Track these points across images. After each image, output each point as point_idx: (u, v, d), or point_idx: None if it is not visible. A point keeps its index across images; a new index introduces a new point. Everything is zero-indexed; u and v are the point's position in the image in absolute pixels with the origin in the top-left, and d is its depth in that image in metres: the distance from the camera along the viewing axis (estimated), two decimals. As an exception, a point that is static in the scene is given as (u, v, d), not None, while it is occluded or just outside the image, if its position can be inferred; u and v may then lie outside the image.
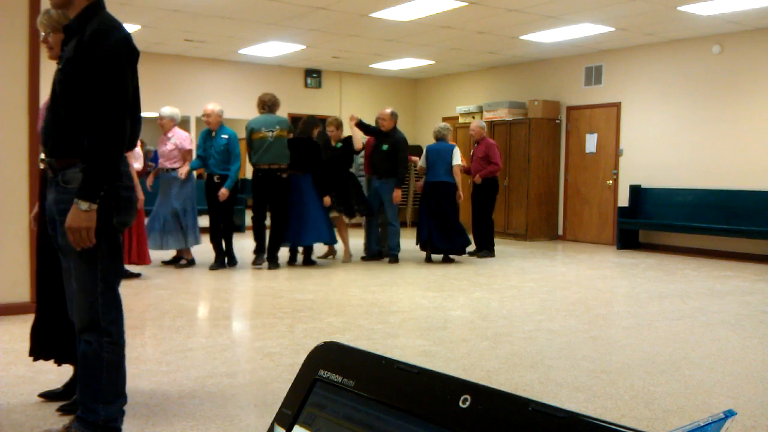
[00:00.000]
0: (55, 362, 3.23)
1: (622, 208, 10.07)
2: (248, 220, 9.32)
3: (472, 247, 8.80)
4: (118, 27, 2.40)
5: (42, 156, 3.09)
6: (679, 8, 7.89)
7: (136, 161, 6.60)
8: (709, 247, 9.41)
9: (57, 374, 3.48)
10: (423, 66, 12.27)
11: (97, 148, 2.33)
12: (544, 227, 11.22)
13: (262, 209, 7.54)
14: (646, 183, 10.14)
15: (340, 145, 8.11)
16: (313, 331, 4.77)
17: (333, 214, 8.03)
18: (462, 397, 0.70)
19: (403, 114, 13.17)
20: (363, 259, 8.32)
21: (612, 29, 9.07)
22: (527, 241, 10.86)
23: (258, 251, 7.67)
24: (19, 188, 5.03)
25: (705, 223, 9.24)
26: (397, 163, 7.97)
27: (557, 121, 11.26)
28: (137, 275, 6.86)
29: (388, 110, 8.14)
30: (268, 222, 7.59)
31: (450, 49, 10.71)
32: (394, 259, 8.18)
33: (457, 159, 8.10)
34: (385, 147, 7.99)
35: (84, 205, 2.33)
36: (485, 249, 8.81)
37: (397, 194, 8.01)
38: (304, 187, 7.55)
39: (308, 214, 7.50)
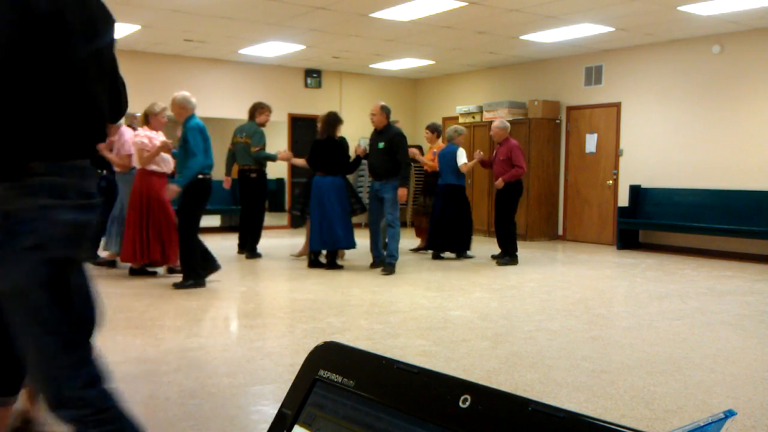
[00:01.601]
0: None
1: (622, 208, 10.07)
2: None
3: (495, 252, 8.80)
4: None
5: None
6: (679, 8, 7.89)
7: (164, 164, 6.65)
8: (709, 247, 9.41)
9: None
10: (423, 66, 12.27)
11: None
12: (544, 227, 11.22)
13: (244, 208, 8.56)
14: (646, 183, 10.14)
15: None
16: (313, 331, 4.77)
17: None
18: (462, 397, 0.70)
19: (403, 114, 13.20)
20: (371, 266, 7.71)
21: (612, 29, 9.07)
22: (527, 241, 10.86)
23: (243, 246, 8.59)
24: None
25: (705, 223, 9.24)
26: (398, 162, 7.35)
27: (557, 121, 11.26)
28: (153, 273, 6.90)
29: (378, 104, 7.55)
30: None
31: (450, 49, 10.71)
32: (390, 269, 7.33)
33: (461, 159, 8.31)
34: (381, 145, 7.44)
35: None
36: (507, 255, 8.31)
37: (403, 193, 7.35)
38: (325, 190, 7.36)
39: (326, 219, 7.30)
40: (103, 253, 7.50)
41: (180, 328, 4.79)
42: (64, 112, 1.73)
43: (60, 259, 1.73)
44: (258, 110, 8.40)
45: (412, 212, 12.87)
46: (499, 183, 8.25)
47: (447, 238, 8.46)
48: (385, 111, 7.50)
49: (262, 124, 8.37)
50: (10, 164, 1.65)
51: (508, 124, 8.52)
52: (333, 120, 7.55)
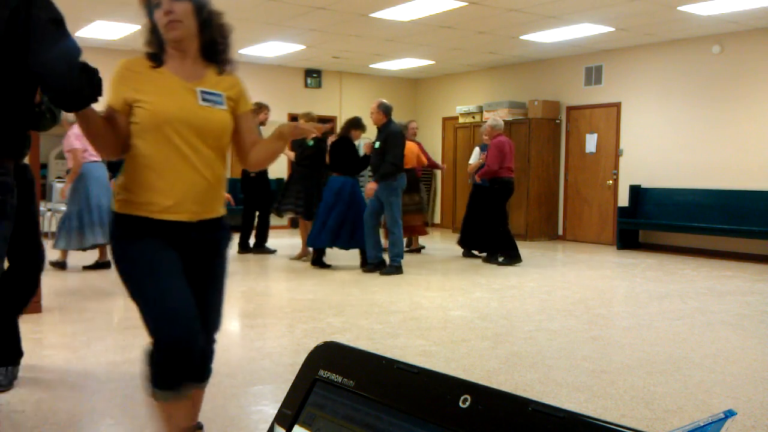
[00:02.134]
0: None
1: (622, 208, 10.07)
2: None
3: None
4: None
5: None
6: (679, 8, 7.90)
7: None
8: (709, 247, 9.41)
9: (58, 373, 3.47)
10: (423, 66, 12.27)
11: None
12: (544, 227, 11.22)
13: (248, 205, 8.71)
14: (646, 183, 10.14)
15: (311, 143, 7.82)
16: (313, 331, 4.77)
17: (289, 215, 8.35)
18: (462, 397, 0.70)
19: (403, 114, 13.17)
20: (366, 270, 7.39)
21: (612, 29, 9.07)
22: (527, 241, 10.86)
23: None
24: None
25: (705, 223, 9.24)
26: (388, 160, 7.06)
27: (557, 121, 11.26)
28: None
29: (377, 102, 7.26)
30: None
31: (450, 49, 10.71)
32: (394, 270, 7.24)
33: (472, 159, 8.56)
34: (377, 144, 7.18)
35: None
36: (505, 256, 8.08)
37: (369, 187, 7.10)
38: (328, 190, 7.40)
39: (333, 218, 7.28)
40: (53, 253, 6.85)
41: (180, 328, 4.78)
42: None
43: None
44: (256, 110, 8.48)
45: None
46: (476, 178, 8.44)
47: (471, 237, 8.66)
48: (383, 108, 7.17)
49: (262, 123, 8.43)
50: None
51: (500, 122, 8.26)
52: (350, 124, 7.55)
